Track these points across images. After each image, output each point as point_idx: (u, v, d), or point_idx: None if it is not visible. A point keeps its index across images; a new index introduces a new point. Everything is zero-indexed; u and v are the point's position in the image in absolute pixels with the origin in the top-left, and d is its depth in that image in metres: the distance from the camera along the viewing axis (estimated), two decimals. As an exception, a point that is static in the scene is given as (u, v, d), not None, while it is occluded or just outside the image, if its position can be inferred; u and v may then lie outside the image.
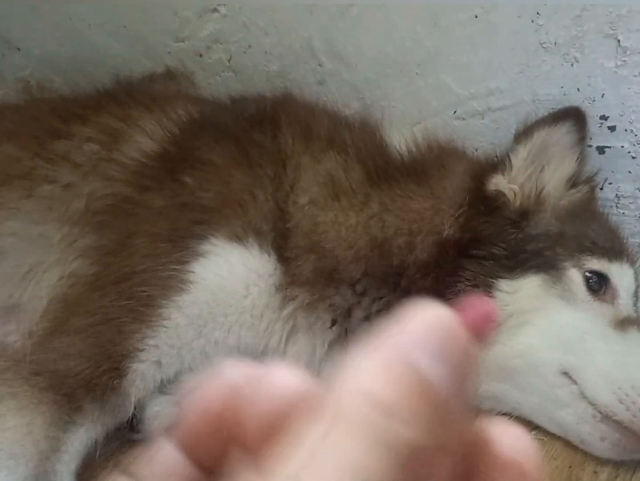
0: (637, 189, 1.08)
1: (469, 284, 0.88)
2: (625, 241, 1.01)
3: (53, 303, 0.91)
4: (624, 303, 0.91)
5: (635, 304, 0.94)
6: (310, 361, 0.90)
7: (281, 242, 0.91)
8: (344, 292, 0.90)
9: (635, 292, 0.94)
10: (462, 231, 0.91)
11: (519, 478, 0.26)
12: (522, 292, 0.88)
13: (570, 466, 0.85)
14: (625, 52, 1.01)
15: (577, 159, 1.00)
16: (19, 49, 1.45)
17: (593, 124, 1.06)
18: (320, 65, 1.22)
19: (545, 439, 0.89)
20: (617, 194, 1.09)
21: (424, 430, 0.22)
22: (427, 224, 0.91)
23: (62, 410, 0.75)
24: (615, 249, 0.94)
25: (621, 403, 0.82)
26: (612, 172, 1.08)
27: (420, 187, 0.95)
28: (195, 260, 0.87)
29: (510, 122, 1.08)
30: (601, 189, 1.08)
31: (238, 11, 1.23)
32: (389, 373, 0.23)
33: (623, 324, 0.89)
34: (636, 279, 0.95)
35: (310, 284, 0.89)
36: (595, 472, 0.85)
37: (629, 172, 1.07)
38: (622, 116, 1.05)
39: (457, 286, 0.88)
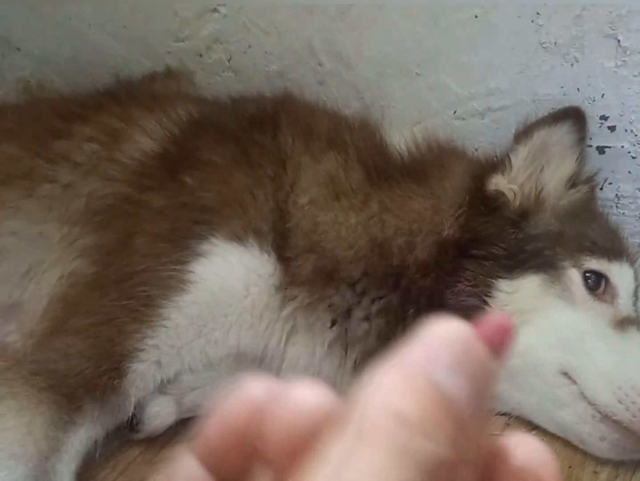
0: (637, 189, 1.08)
1: (468, 284, 0.88)
2: (625, 240, 1.01)
3: (53, 303, 0.91)
4: (624, 302, 0.91)
5: (634, 304, 0.94)
6: (310, 361, 0.90)
7: (281, 242, 0.91)
8: (344, 292, 0.90)
9: (635, 292, 0.94)
10: (462, 231, 0.91)
11: None
12: (521, 292, 0.88)
13: (570, 466, 0.85)
14: (625, 52, 1.01)
15: (577, 159, 1.00)
16: (19, 49, 1.44)
17: (593, 124, 1.06)
18: (320, 65, 1.22)
19: (545, 439, 0.89)
20: (617, 194, 1.09)
21: (448, 444, 0.23)
22: (427, 224, 0.91)
23: (62, 410, 0.75)
24: (614, 249, 0.94)
25: (620, 403, 0.82)
26: (612, 172, 1.08)
27: (420, 187, 0.95)
28: (195, 260, 0.87)
29: (510, 122, 1.08)
30: (601, 189, 1.08)
31: (238, 11, 1.23)
32: (411, 389, 0.24)
33: (623, 324, 0.89)
34: (636, 278, 0.95)
35: (310, 284, 0.89)
36: (595, 472, 0.85)
37: (629, 172, 1.07)
38: (622, 116, 1.05)
39: (456, 286, 0.88)
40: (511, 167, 0.95)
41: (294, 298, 0.89)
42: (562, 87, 1.07)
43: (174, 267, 0.86)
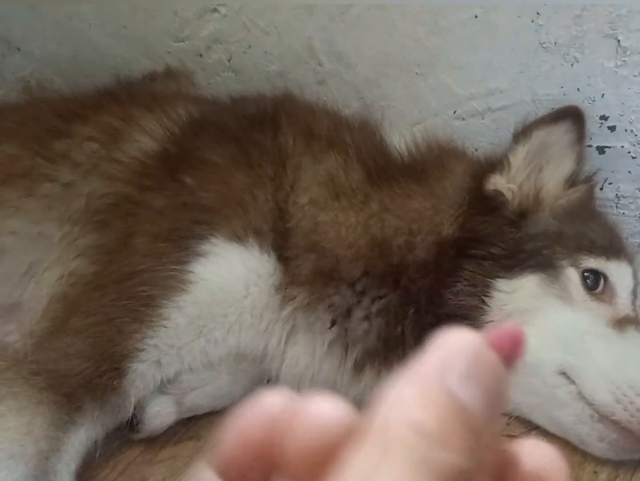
0: (637, 189, 1.08)
1: (467, 284, 0.88)
2: (623, 239, 1.01)
3: (53, 302, 0.91)
4: (623, 301, 0.91)
5: (633, 303, 0.94)
6: (310, 361, 0.90)
7: (281, 242, 0.91)
8: (344, 292, 0.90)
9: (634, 290, 0.94)
10: (462, 230, 0.91)
11: None
12: (520, 292, 0.88)
13: (570, 466, 0.85)
14: (625, 52, 1.01)
15: (576, 158, 1.00)
16: (19, 49, 1.45)
17: (593, 124, 1.06)
18: (320, 65, 1.22)
19: (545, 439, 0.89)
20: (617, 194, 1.09)
21: (466, 454, 0.24)
22: (426, 223, 0.91)
23: (62, 410, 0.75)
24: (613, 248, 0.94)
25: (618, 402, 0.82)
26: (612, 172, 1.08)
27: (420, 187, 0.95)
28: (195, 260, 0.87)
29: (510, 122, 1.08)
30: (601, 189, 1.08)
31: (238, 11, 1.23)
32: (429, 401, 0.24)
33: (621, 323, 0.89)
34: (634, 277, 0.95)
35: (309, 284, 0.89)
36: (595, 472, 0.85)
37: (629, 172, 1.07)
38: (622, 116, 1.05)
39: (456, 285, 0.88)
40: (510, 167, 0.95)
41: (293, 297, 0.89)
42: (562, 87, 1.07)
43: (174, 267, 0.86)
